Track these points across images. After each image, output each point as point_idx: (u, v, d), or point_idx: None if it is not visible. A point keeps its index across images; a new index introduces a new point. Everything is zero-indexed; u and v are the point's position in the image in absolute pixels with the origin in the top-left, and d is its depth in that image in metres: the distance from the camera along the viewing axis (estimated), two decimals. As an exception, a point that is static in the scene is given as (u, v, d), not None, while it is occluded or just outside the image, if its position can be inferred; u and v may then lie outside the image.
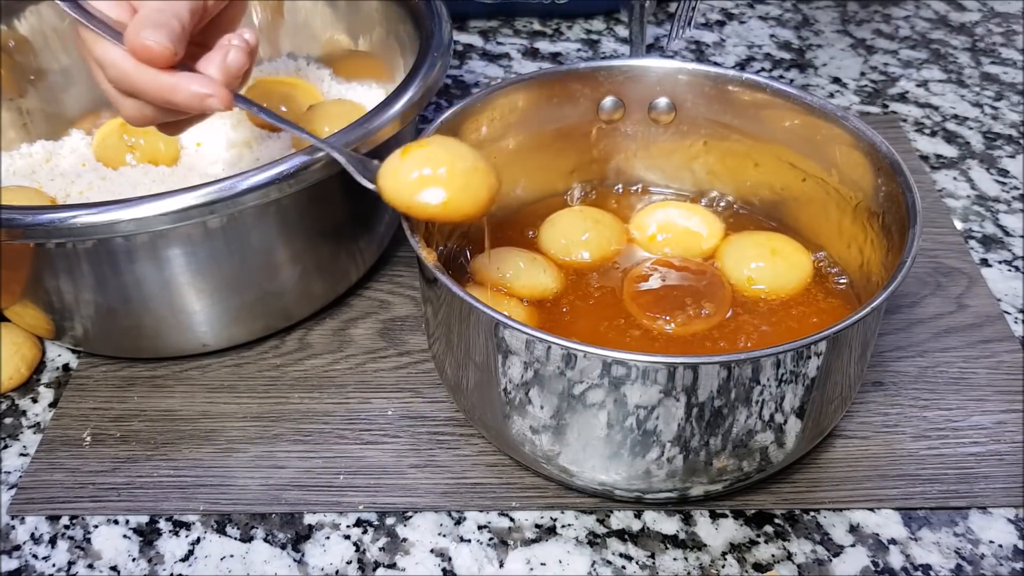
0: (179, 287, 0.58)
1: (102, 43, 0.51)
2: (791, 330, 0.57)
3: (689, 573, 0.52)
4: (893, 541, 0.54)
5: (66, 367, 0.65)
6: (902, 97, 0.89)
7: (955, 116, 0.87)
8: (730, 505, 0.55)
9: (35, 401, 0.63)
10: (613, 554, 0.53)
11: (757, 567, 0.52)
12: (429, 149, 0.51)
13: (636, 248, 0.63)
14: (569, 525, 0.54)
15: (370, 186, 0.52)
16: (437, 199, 0.50)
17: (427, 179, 0.50)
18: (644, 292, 0.59)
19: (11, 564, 0.53)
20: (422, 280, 0.55)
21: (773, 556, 0.53)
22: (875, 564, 0.53)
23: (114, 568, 0.53)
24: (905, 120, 0.86)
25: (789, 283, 0.60)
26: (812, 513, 0.55)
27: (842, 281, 0.60)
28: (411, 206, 0.51)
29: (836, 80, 0.92)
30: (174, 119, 0.54)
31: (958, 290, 0.68)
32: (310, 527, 0.55)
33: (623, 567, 0.52)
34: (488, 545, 0.54)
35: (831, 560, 0.53)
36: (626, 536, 0.54)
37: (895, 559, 0.53)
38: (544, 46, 0.98)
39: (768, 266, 0.60)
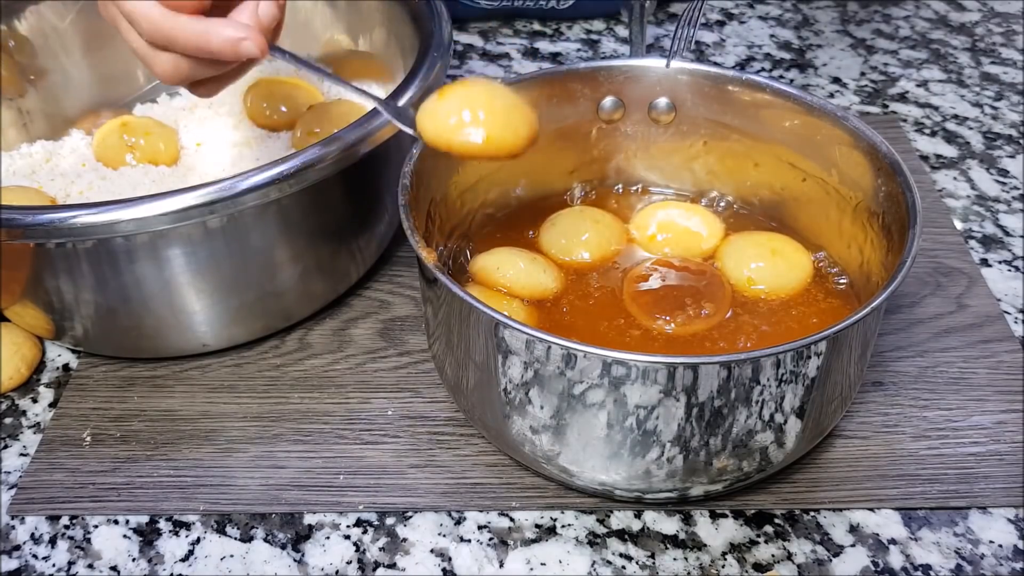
0: (179, 287, 0.58)
1: None
2: (791, 330, 0.57)
3: (689, 573, 0.52)
4: (893, 541, 0.54)
5: (66, 367, 0.65)
6: (902, 97, 0.89)
7: (955, 116, 0.87)
8: (730, 505, 0.55)
9: (35, 401, 0.63)
10: (613, 554, 0.53)
11: (757, 567, 0.52)
12: (467, 88, 0.51)
13: (636, 248, 0.63)
14: (569, 525, 0.54)
15: (409, 131, 0.52)
16: (479, 136, 0.50)
17: (467, 116, 0.50)
18: (644, 292, 0.59)
19: (11, 564, 0.53)
20: (422, 280, 0.55)
21: (773, 556, 0.53)
22: (875, 564, 0.53)
23: (114, 568, 0.53)
24: (905, 120, 0.86)
25: (789, 283, 0.60)
26: (812, 513, 0.55)
27: (842, 281, 0.60)
28: (452, 144, 0.50)
29: (836, 80, 0.92)
30: (209, 74, 0.52)
31: (958, 290, 0.68)
32: (310, 527, 0.55)
33: (623, 567, 0.52)
34: (488, 545, 0.54)
35: (831, 560, 0.53)
36: (626, 536, 0.54)
37: (895, 559, 0.53)
38: (544, 46, 0.98)
39: (768, 266, 0.60)
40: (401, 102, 0.60)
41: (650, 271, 0.60)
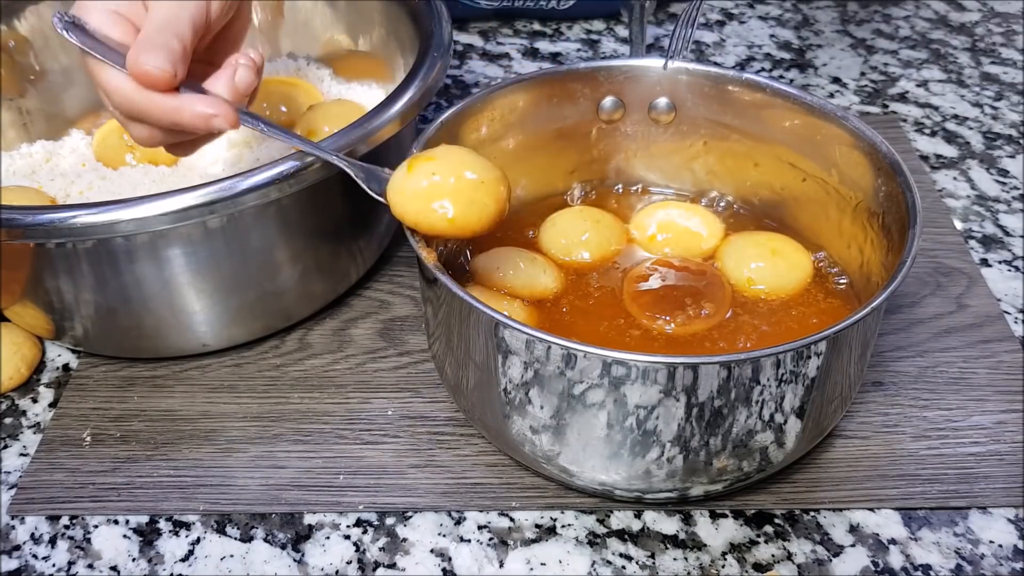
0: (179, 287, 0.58)
1: (106, 69, 0.51)
2: (791, 330, 0.57)
3: (689, 573, 0.52)
4: (893, 541, 0.54)
5: (66, 367, 0.65)
6: (902, 97, 0.89)
7: (955, 116, 0.87)
8: (730, 505, 0.55)
9: (35, 401, 0.63)
10: (613, 554, 0.53)
11: (757, 567, 0.52)
12: (435, 163, 0.50)
13: (636, 248, 0.63)
14: (569, 525, 0.54)
15: (381, 200, 0.52)
16: (443, 217, 0.50)
17: (432, 196, 0.50)
18: (644, 292, 0.59)
19: (11, 564, 0.53)
20: (422, 280, 0.55)
21: (773, 556, 0.53)
22: (875, 564, 0.53)
23: (114, 568, 0.53)
24: (905, 120, 0.86)
25: (789, 283, 0.60)
26: (812, 513, 0.55)
27: (842, 281, 0.60)
28: (418, 223, 0.50)
29: (836, 80, 0.92)
30: (183, 140, 0.54)
31: (958, 290, 0.68)
32: (310, 527, 0.55)
33: (623, 567, 0.52)
34: (488, 545, 0.54)
35: (831, 560, 0.53)
36: (626, 536, 0.54)
37: (895, 559, 0.53)
38: (544, 46, 0.98)
39: (768, 266, 0.60)
40: (396, 107, 0.59)
41: (650, 271, 0.60)
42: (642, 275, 0.60)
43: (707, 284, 0.59)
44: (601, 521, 0.55)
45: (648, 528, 0.54)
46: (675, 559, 0.53)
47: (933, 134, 0.85)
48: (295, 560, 0.53)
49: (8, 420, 0.61)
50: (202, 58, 0.52)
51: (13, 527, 0.55)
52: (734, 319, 0.58)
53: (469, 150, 0.53)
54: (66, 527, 0.55)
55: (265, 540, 0.54)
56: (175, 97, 0.50)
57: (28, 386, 0.63)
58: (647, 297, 0.58)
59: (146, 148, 0.55)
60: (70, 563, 0.53)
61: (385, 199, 0.52)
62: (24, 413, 0.62)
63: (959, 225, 0.74)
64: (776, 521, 0.55)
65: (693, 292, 0.59)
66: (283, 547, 0.54)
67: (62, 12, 0.51)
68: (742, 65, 0.95)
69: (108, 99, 0.52)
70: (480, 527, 0.55)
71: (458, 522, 0.55)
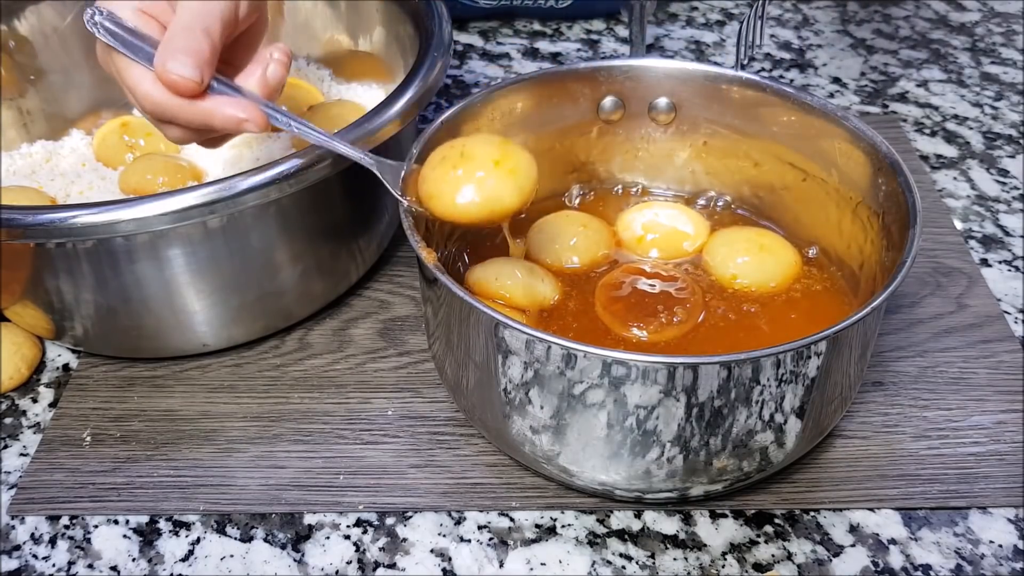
0: (179, 287, 0.58)
1: (134, 69, 0.50)
2: (790, 330, 0.57)
3: (689, 573, 0.52)
4: (893, 541, 0.54)
5: (66, 367, 0.65)
6: (902, 97, 0.89)
7: (955, 116, 0.87)
8: (730, 505, 0.55)
9: (35, 401, 0.63)
10: (613, 554, 0.53)
11: (757, 567, 0.52)
12: (462, 148, 0.51)
13: (624, 251, 0.63)
14: (569, 525, 0.54)
15: (404, 201, 0.52)
16: (474, 200, 0.50)
17: (461, 181, 0.50)
18: (616, 300, 0.58)
19: (11, 564, 0.53)
20: (422, 280, 0.55)
21: (773, 556, 0.53)
22: (875, 564, 0.53)
23: (114, 568, 0.53)
24: (905, 120, 0.86)
25: (776, 277, 0.60)
26: (812, 513, 0.55)
27: (841, 280, 0.60)
28: (452, 214, 0.51)
29: (836, 80, 0.92)
30: (215, 136, 0.54)
31: (958, 290, 0.68)
32: (310, 527, 0.55)
33: (623, 567, 0.52)
34: (488, 545, 0.54)
35: (831, 560, 0.53)
36: (626, 536, 0.54)
37: (895, 559, 0.53)
38: (544, 46, 0.98)
39: (756, 261, 0.60)
40: (396, 107, 0.59)
41: (621, 278, 0.60)
42: (614, 283, 0.60)
43: (679, 289, 0.59)
44: (601, 521, 0.55)
45: (648, 528, 0.54)
46: (675, 559, 0.53)
47: (933, 134, 0.85)
48: (295, 560, 0.53)
49: (8, 420, 0.61)
50: (222, 58, 0.52)
51: (13, 527, 0.55)
52: (724, 316, 0.58)
53: (492, 137, 0.53)
54: (66, 527, 0.55)
55: (265, 540, 0.54)
56: (205, 101, 0.50)
57: (28, 386, 0.63)
58: (619, 305, 0.58)
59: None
60: (70, 563, 0.53)
61: (408, 198, 0.52)
62: (24, 413, 0.62)
63: (959, 225, 0.74)
64: (776, 521, 0.55)
65: (665, 299, 0.58)
66: (283, 547, 0.54)
67: (93, 7, 0.51)
68: (742, 65, 0.94)
69: (137, 102, 0.52)
70: (480, 527, 0.55)
71: (458, 522, 0.55)
